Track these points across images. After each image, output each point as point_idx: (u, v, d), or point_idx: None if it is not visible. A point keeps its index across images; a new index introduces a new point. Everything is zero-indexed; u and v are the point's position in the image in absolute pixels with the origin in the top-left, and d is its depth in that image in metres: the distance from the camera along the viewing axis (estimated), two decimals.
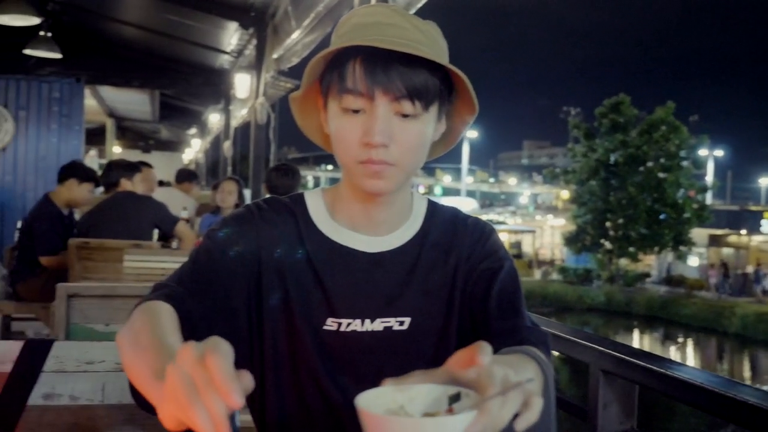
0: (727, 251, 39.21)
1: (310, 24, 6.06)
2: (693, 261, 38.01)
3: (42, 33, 8.67)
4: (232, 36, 9.07)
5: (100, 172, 5.76)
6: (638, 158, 34.08)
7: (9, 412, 1.68)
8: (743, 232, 40.62)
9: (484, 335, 1.25)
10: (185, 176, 8.25)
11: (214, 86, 11.63)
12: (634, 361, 1.71)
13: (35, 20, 7.51)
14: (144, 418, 1.79)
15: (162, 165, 20.83)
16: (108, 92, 13.71)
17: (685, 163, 34.94)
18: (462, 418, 0.77)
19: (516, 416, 0.81)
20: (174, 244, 5.23)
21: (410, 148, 1.20)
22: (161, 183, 10.90)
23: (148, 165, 6.87)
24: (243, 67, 9.64)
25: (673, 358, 23.24)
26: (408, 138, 1.19)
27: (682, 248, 34.69)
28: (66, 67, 10.09)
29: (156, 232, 5.30)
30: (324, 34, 6.04)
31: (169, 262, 4.12)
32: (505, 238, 43.36)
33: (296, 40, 6.61)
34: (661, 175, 34.05)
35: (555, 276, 37.75)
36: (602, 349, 1.82)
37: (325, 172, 72.27)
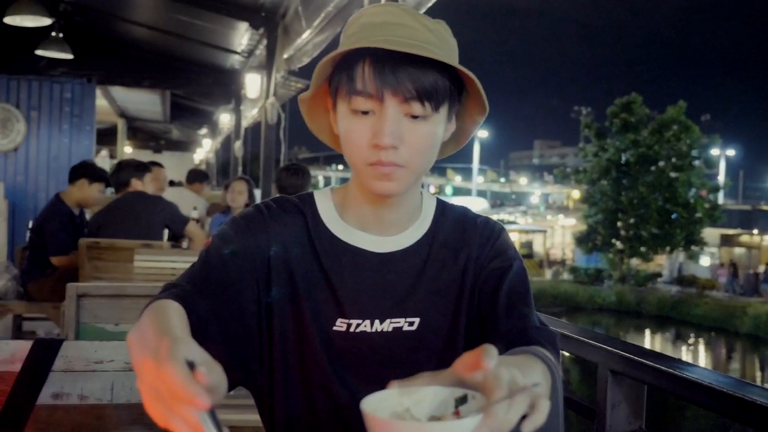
0: (739, 251, 39.03)
1: (320, 24, 6.05)
2: (705, 261, 37.86)
3: (53, 34, 8.71)
4: (242, 36, 9.08)
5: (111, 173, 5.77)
6: (650, 158, 33.95)
7: (18, 411, 1.69)
8: (755, 231, 40.43)
9: (492, 335, 1.25)
10: (196, 176, 8.26)
11: (224, 86, 11.65)
12: (643, 361, 1.70)
13: (47, 21, 7.54)
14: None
15: (173, 165, 20.89)
16: (119, 92, 13.75)
17: (696, 163, 34.80)
18: (468, 421, 0.77)
19: (523, 418, 0.80)
20: (184, 244, 5.25)
21: (420, 150, 1.20)
22: (172, 183, 10.94)
23: (158, 165, 6.89)
24: (253, 67, 9.65)
25: (684, 358, 23.20)
26: (418, 139, 1.19)
27: (693, 248, 34.55)
28: (77, 67, 10.13)
29: (166, 232, 5.32)
30: (334, 33, 6.04)
31: (179, 262, 4.13)
32: (515, 237, 43.27)
33: (306, 40, 6.61)
34: (672, 174, 33.91)
35: (566, 276, 37.65)
36: (611, 349, 1.81)
37: (336, 172, 72.31)
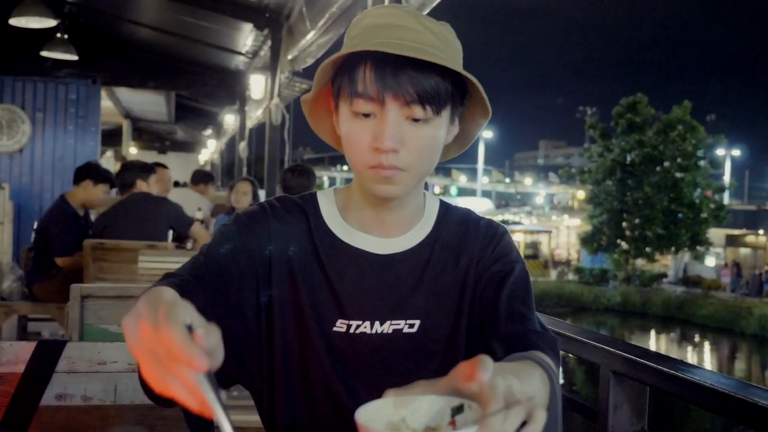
0: (744, 251, 38.94)
1: (325, 25, 6.06)
2: (710, 261, 37.79)
3: (58, 35, 8.74)
4: (247, 37, 9.09)
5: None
6: (655, 158, 33.91)
7: (22, 413, 1.69)
8: (761, 232, 40.33)
9: (492, 338, 1.25)
10: (201, 177, 8.28)
11: (229, 87, 11.67)
12: (645, 362, 1.70)
13: (52, 22, 7.56)
14: (156, 419, 1.80)
15: (178, 166, 20.91)
16: (124, 93, 13.78)
17: (702, 163, 34.74)
18: None
19: (522, 426, 0.79)
20: (188, 245, 5.25)
21: (421, 153, 1.20)
22: (177, 184, 10.95)
23: (163, 166, 6.90)
24: (258, 68, 9.66)
25: (689, 359, 23.14)
26: (419, 143, 1.18)
27: (699, 248, 34.50)
28: (82, 68, 10.16)
29: (171, 233, 5.33)
30: (338, 34, 6.04)
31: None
32: (520, 238, 43.23)
33: (311, 41, 6.62)
34: (677, 174, 33.86)
35: (571, 276, 37.61)
36: (612, 350, 1.81)
37: (341, 172, 72.34)
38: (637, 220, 34.21)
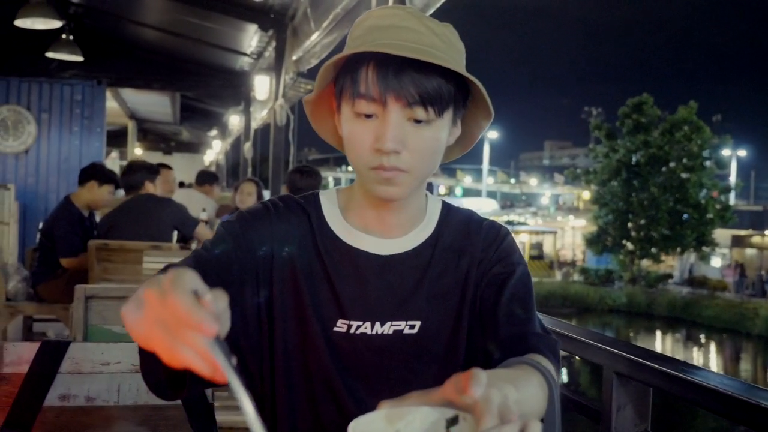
0: (750, 252, 38.84)
1: (329, 25, 6.06)
2: (716, 262, 37.71)
3: (64, 36, 8.76)
4: (251, 38, 9.10)
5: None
6: (660, 158, 33.87)
7: (25, 413, 1.69)
8: (767, 232, 40.22)
9: (492, 340, 1.24)
10: (205, 178, 8.29)
11: (234, 88, 11.68)
12: (648, 363, 1.69)
13: (57, 23, 7.57)
14: (159, 420, 1.80)
15: (183, 167, 20.94)
16: (129, 94, 13.81)
17: (707, 164, 34.69)
18: None
19: None
20: (193, 245, 5.26)
21: (423, 155, 1.19)
22: (182, 184, 10.97)
23: (167, 167, 6.91)
24: (263, 68, 9.67)
25: (695, 360, 23.09)
26: (421, 144, 1.18)
27: (704, 249, 34.44)
28: (87, 69, 10.18)
29: (175, 234, 5.34)
30: (342, 35, 6.05)
31: None
32: (526, 238, 43.17)
33: (315, 41, 6.63)
34: (683, 175, 33.82)
35: (576, 277, 37.55)
36: (615, 351, 1.80)
37: (346, 173, 72.32)
38: (642, 221, 34.18)
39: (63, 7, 8.88)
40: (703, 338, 28.33)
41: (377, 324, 1.27)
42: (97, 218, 5.56)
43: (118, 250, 4.70)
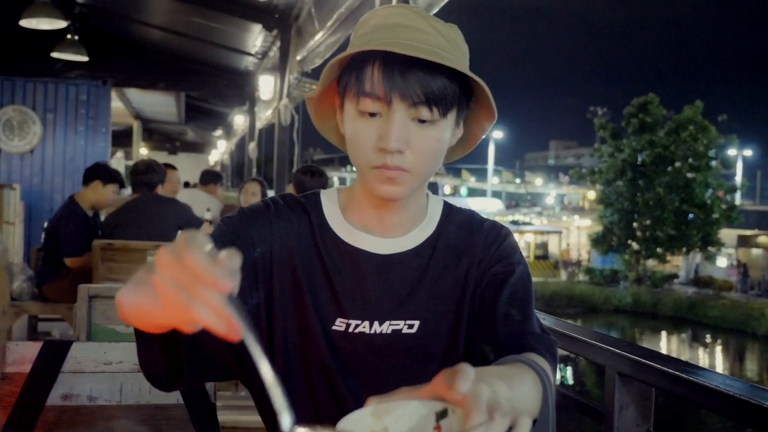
0: (756, 252, 38.77)
1: (333, 25, 6.07)
2: (722, 262, 37.64)
3: (69, 36, 8.79)
4: (256, 38, 9.12)
5: (131, 174, 5.77)
6: (666, 158, 33.80)
7: (28, 412, 1.70)
8: None
9: (490, 340, 1.24)
10: (210, 177, 8.29)
11: (238, 88, 11.70)
12: (650, 363, 1.69)
13: (62, 24, 7.59)
14: (161, 419, 1.81)
15: (189, 166, 20.97)
16: (134, 94, 13.84)
17: (713, 163, 34.61)
18: None
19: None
20: None
21: (426, 155, 1.19)
22: (187, 184, 10.99)
23: (171, 167, 6.92)
24: (267, 68, 9.69)
25: (700, 360, 23.02)
26: (424, 144, 1.18)
27: (710, 249, 34.37)
28: (93, 69, 10.21)
29: (179, 234, 5.34)
30: (346, 35, 6.05)
31: None
32: (531, 238, 43.17)
33: (319, 41, 6.63)
34: (689, 175, 33.75)
35: (581, 277, 37.51)
36: (618, 351, 1.80)
37: (351, 173, 72.31)
38: (648, 221, 34.11)
39: (68, 7, 8.91)
40: (708, 338, 28.27)
41: (376, 323, 1.27)
42: (102, 218, 5.57)
43: (123, 249, 4.71)
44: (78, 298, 2.53)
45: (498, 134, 66.32)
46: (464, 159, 1.40)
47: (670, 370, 1.64)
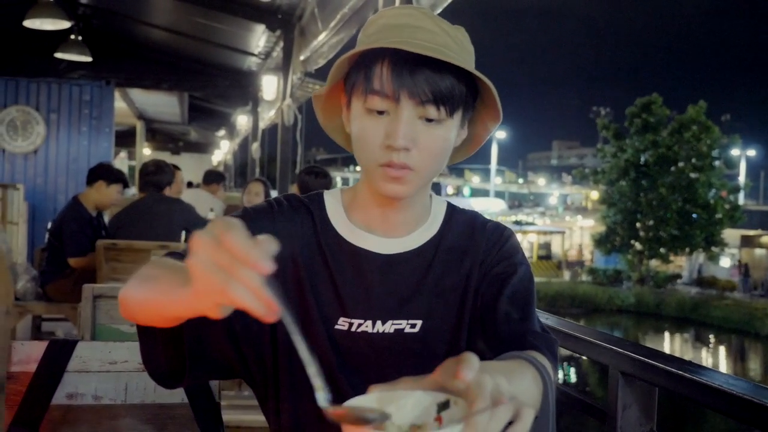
0: (759, 252, 38.71)
1: (336, 26, 6.08)
2: (725, 262, 37.58)
3: (72, 36, 8.79)
4: (259, 38, 9.12)
5: (139, 174, 5.76)
6: (669, 158, 33.78)
7: (33, 411, 1.71)
8: None
9: (492, 339, 1.25)
10: (213, 178, 8.31)
11: (242, 88, 11.72)
12: (654, 363, 1.69)
13: (66, 24, 7.60)
14: (166, 418, 1.81)
15: (192, 167, 20.99)
16: (137, 95, 13.85)
17: (716, 163, 34.57)
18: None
19: (508, 425, 0.78)
20: None
21: (432, 154, 1.20)
22: (190, 184, 11.01)
23: (175, 167, 6.92)
24: (270, 69, 9.70)
25: (704, 360, 23.00)
26: (431, 143, 1.19)
27: (713, 249, 34.32)
28: (96, 70, 10.23)
29: (183, 234, 5.35)
30: (350, 35, 6.06)
31: None
32: (534, 239, 43.11)
33: (322, 41, 6.64)
34: (692, 175, 33.72)
35: (584, 277, 37.46)
36: (621, 350, 1.80)
37: (354, 173, 72.30)
38: (651, 221, 34.09)
39: (72, 8, 8.92)
40: (712, 339, 28.23)
41: (378, 323, 1.27)
42: (106, 218, 5.58)
43: (126, 249, 4.72)
44: (82, 297, 2.54)
45: (501, 134, 66.34)
46: (467, 159, 1.41)
47: (674, 370, 1.64)
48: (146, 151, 19.99)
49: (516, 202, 73.91)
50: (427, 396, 0.82)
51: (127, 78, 11.15)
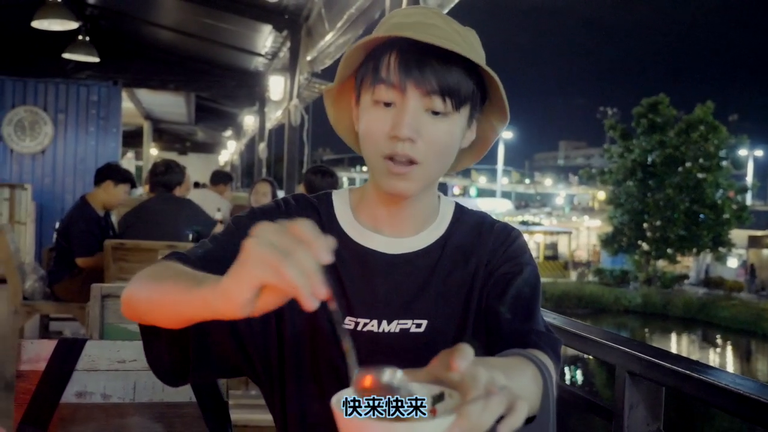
0: (766, 253, 38.56)
1: (343, 26, 6.09)
2: (732, 263, 37.45)
3: (80, 37, 8.82)
4: (266, 38, 9.14)
5: (149, 174, 5.77)
6: (676, 159, 33.68)
7: (43, 410, 1.72)
8: None
9: (495, 338, 1.25)
10: (220, 178, 8.32)
11: (248, 88, 11.73)
12: (661, 362, 1.69)
13: (73, 25, 7.63)
14: (174, 417, 1.82)
15: (199, 167, 21.03)
16: (145, 95, 13.89)
17: (724, 164, 34.44)
18: (440, 422, 0.74)
19: (501, 420, 0.78)
20: None
21: (437, 147, 1.20)
22: (197, 185, 11.02)
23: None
24: (277, 69, 9.71)
25: (711, 361, 22.92)
26: (435, 135, 1.19)
27: (721, 250, 34.20)
28: (103, 70, 10.26)
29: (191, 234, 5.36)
30: (356, 35, 6.07)
31: None
32: (540, 239, 43.06)
33: (329, 42, 6.65)
34: (699, 175, 33.60)
35: (591, 277, 37.38)
36: (628, 350, 1.80)
37: (360, 173, 72.32)
38: (658, 221, 33.99)
39: (79, 9, 8.95)
40: (719, 339, 28.15)
41: (384, 322, 1.28)
42: (113, 218, 5.59)
43: (134, 249, 4.73)
44: (91, 297, 2.54)
45: (507, 134, 66.21)
46: None
47: (681, 369, 1.64)
48: (153, 152, 20.04)
49: (523, 202, 73.80)
50: (421, 389, 0.82)
51: (134, 78, 11.18)
